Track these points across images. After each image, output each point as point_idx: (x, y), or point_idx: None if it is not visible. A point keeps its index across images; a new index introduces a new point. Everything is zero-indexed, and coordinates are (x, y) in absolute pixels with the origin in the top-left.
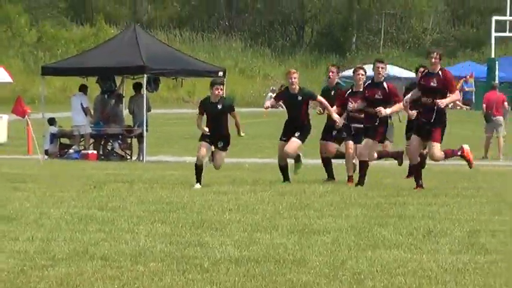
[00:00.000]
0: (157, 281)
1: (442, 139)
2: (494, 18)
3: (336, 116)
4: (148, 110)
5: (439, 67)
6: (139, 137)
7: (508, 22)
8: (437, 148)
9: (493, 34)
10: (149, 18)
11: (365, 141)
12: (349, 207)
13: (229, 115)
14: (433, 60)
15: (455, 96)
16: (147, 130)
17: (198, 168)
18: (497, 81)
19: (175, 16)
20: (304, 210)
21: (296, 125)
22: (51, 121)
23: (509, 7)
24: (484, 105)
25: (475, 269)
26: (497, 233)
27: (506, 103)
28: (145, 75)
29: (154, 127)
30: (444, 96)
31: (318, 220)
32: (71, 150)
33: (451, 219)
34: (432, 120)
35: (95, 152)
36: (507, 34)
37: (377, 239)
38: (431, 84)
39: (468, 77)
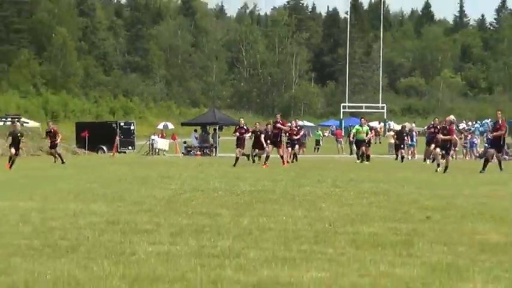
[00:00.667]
0: (220, 198)
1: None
2: (342, 104)
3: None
4: (218, 137)
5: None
6: (215, 147)
7: (347, 106)
8: (280, 151)
9: (341, 110)
10: (218, 104)
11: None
12: (289, 172)
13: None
14: (278, 118)
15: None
16: (218, 144)
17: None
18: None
19: (229, 104)
20: (275, 174)
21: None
22: (185, 142)
23: (347, 98)
24: (335, 136)
25: (346, 192)
26: (365, 181)
27: (343, 134)
28: (217, 125)
29: (222, 144)
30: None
31: (278, 176)
32: (191, 152)
33: (334, 176)
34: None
35: (199, 153)
36: (347, 110)
37: (301, 183)
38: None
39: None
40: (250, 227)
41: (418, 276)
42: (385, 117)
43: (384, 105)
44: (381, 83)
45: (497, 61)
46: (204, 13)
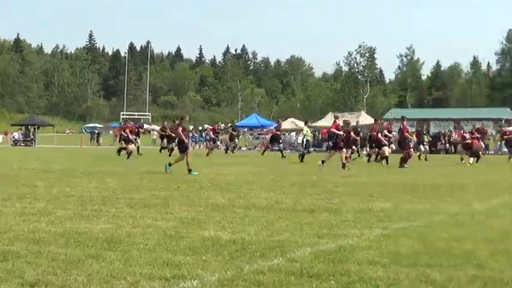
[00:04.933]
0: (37, 175)
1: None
2: (121, 113)
3: None
4: (37, 134)
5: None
6: (34, 141)
7: (125, 114)
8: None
9: (121, 117)
10: (37, 111)
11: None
12: (88, 157)
13: None
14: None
15: None
16: (36, 138)
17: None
18: None
19: (44, 112)
20: (78, 158)
21: None
22: (14, 136)
23: (125, 109)
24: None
25: (127, 170)
26: (142, 166)
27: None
28: (36, 125)
29: (39, 138)
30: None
31: (79, 160)
32: (17, 144)
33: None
34: None
35: (23, 144)
36: (125, 117)
37: (95, 164)
38: None
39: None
40: (58, 194)
41: (172, 227)
42: (150, 121)
43: (150, 113)
44: (147, 99)
45: (223, 86)
46: (28, 50)
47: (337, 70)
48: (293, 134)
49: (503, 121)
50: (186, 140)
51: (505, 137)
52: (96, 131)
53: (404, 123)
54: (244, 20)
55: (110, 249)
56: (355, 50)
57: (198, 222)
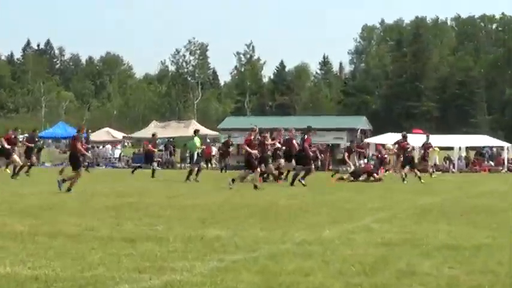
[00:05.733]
0: None
1: None
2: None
3: None
4: None
5: None
6: None
7: None
8: None
9: None
10: None
11: None
12: None
13: None
14: None
15: None
16: None
17: None
18: None
19: None
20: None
21: None
22: None
23: None
24: None
25: None
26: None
27: None
28: None
29: None
30: None
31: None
32: None
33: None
34: None
35: None
36: None
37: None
38: None
39: None
40: None
41: None
42: None
43: None
44: None
45: (23, 88)
46: None
47: (162, 70)
48: (108, 146)
49: (358, 131)
50: (83, 155)
51: (407, 154)
52: None
53: (309, 134)
54: (49, 10)
55: None
56: (184, 47)
57: None
